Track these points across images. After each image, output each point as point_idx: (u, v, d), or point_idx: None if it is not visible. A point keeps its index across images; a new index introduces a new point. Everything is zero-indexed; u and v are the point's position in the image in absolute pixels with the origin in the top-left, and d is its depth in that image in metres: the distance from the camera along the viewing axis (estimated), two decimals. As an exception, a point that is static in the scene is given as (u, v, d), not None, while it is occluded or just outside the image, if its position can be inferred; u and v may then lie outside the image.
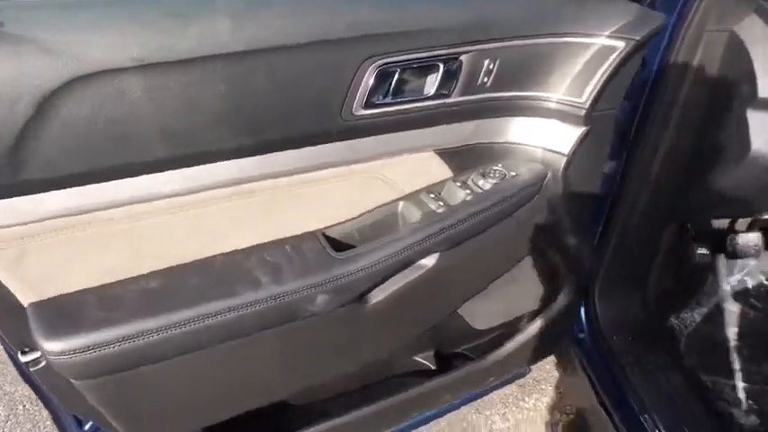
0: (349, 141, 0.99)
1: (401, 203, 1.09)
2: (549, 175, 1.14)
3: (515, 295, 1.33)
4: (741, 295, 1.89)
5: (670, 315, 1.77)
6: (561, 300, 1.34)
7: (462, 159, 1.14)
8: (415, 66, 0.98)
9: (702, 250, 1.64)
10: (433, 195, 1.08)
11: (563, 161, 1.12)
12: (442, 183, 1.12)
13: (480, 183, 1.11)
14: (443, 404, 1.34)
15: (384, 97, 0.98)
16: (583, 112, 1.09)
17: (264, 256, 0.95)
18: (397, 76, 0.97)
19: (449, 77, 1.02)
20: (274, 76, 0.86)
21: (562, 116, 1.11)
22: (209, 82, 0.82)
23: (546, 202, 1.16)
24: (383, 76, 0.95)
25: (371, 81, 0.94)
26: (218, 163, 0.90)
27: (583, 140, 1.11)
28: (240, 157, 0.91)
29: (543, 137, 1.13)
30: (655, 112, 1.33)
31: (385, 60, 0.93)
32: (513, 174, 1.12)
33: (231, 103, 0.85)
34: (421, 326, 1.15)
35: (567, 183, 1.14)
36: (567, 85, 1.09)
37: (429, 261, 1.06)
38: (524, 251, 1.23)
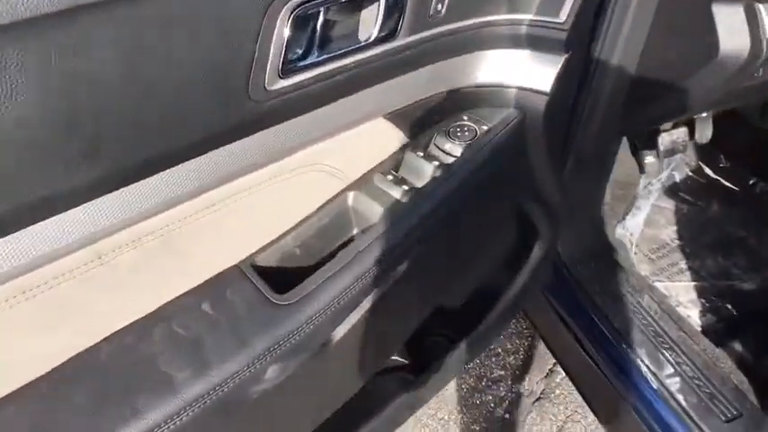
0: (267, 131, 0.60)
1: (350, 195, 0.73)
2: (528, 120, 0.82)
3: (489, 260, 1.05)
4: (672, 191, 1.76)
5: (617, 227, 1.60)
6: (537, 252, 1.08)
7: (418, 117, 0.79)
8: (344, 0, 0.59)
9: (650, 158, 1.44)
10: (391, 177, 0.74)
11: (544, 101, 0.80)
12: (398, 155, 0.77)
13: (447, 147, 0.77)
14: (429, 400, 1.09)
15: (307, 56, 0.59)
16: (564, 35, 0.76)
17: (173, 329, 0.58)
18: (321, 21, 0.58)
19: (392, 11, 0.64)
20: (131, 52, 0.44)
21: (537, 43, 0.78)
22: (15, 78, 0.39)
23: (526, 154, 0.85)
24: (302, 23, 0.56)
25: (287, 34, 0.55)
26: (75, 209, 0.50)
27: (565, 71, 0.79)
28: (106, 193, 0.51)
29: (516, 73, 0.80)
30: (608, 17, 1.02)
31: (302, -1, 0.54)
32: (485, 128, 0.80)
33: (63, 109, 0.43)
34: (401, 338, 0.85)
35: (547, 126, 0.83)
36: (540, 1, 0.75)
37: (401, 267, 0.73)
38: (505, 214, 0.93)
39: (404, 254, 0.70)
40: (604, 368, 1.26)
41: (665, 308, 1.34)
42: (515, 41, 0.78)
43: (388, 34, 0.65)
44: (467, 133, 0.78)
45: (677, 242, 1.63)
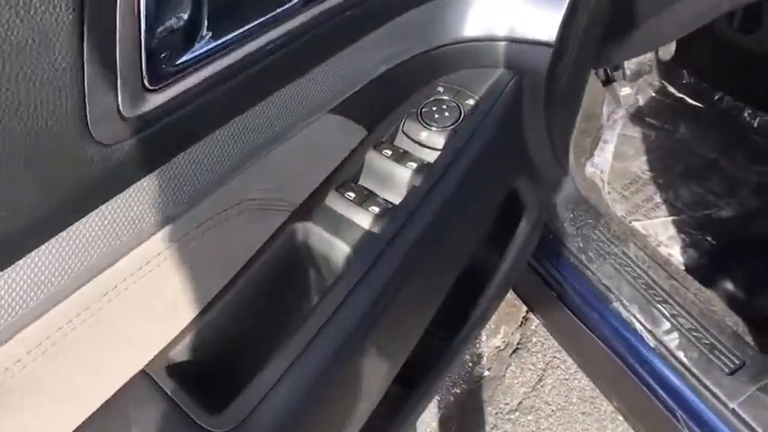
0: (140, 183, 0.35)
1: (299, 229, 0.50)
2: (526, 82, 0.59)
3: (476, 246, 0.85)
4: (637, 117, 1.60)
5: (586, 165, 1.43)
6: (524, 225, 0.90)
7: (374, 96, 0.54)
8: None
9: (626, 90, 1.26)
10: (352, 194, 0.50)
11: (546, 55, 0.57)
12: (355, 157, 0.53)
13: (423, 137, 0.54)
14: (423, 411, 0.93)
15: (193, 43, 0.33)
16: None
17: None
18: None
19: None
20: None
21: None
22: None
23: (523, 126, 0.63)
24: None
25: (144, 8, 0.29)
26: None
27: (572, 10, 0.56)
28: None
29: (507, 19, 0.56)
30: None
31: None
32: (471, 102, 0.57)
33: None
34: (386, 386, 0.66)
35: (550, 86, 0.61)
36: None
37: (382, 323, 0.52)
38: (497, 199, 0.72)
39: (386, 306, 0.49)
40: (597, 332, 1.14)
41: (650, 254, 1.22)
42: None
43: (322, -15, 0.40)
44: (447, 114, 0.55)
45: (649, 173, 1.50)
